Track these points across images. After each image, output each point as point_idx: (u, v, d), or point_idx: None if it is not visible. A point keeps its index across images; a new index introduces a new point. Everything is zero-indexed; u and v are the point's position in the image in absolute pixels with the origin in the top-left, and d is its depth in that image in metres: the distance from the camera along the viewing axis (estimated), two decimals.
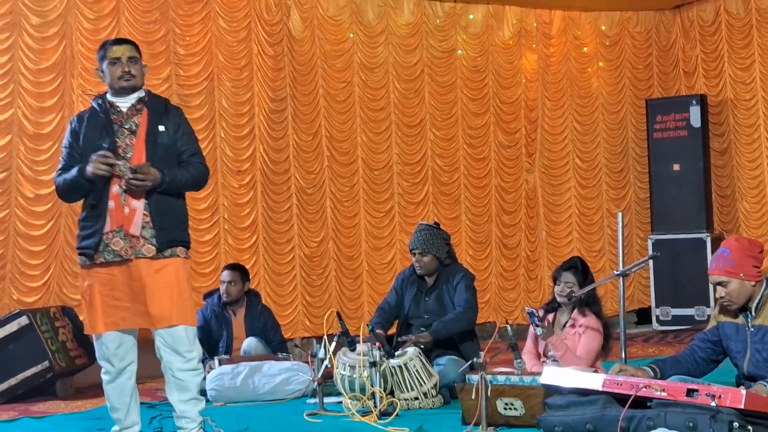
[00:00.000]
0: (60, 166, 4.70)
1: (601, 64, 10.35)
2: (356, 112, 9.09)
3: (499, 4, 9.82)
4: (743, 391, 3.88)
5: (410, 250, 6.35)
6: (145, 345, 8.02)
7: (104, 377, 4.69)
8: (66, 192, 4.68)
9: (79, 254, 4.62)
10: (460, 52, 9.66)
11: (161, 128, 4.58)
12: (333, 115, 8.97)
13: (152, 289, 4.51)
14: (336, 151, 8.96)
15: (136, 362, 4.72)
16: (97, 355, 4.70)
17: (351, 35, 9.09)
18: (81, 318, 7.58)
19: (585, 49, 10.31)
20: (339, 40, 9.03)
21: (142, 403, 6.30)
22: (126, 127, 4.57)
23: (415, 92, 9.42)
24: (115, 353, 4.61)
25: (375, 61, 9.21)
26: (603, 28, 10.35)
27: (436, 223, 6.53)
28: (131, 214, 4.48)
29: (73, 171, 4.54)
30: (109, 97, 4.65)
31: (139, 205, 4.48)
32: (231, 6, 8.43)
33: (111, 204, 4.49)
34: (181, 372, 4.58)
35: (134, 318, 4.57)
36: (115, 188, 4.48)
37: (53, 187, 7.43)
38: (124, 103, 4.61)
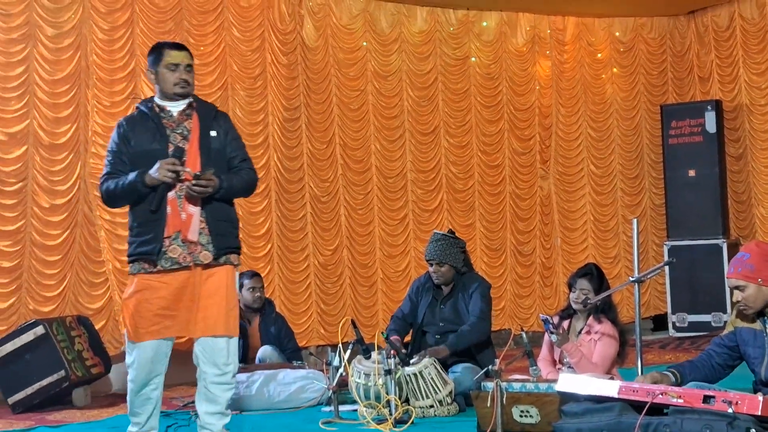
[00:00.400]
0: (106, 170, 4.59)
1: (615, 70, 10.33)
2: (370, 120, 9.10)
3: (512, 11, 9.82)
4: (760, 398, 3.85)
5: (427, 261, 6.33)
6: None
7: (131, 384, 4.55)
8: (117, 198, 4.54)
9: (133, 261, 4.48)
10: (473, 59, 9.67)
11: (213, 133, 4.52)
12: (347, 123, 8.98)
13: (204, 297, 4.43)
14: (350, 159, 8.97)
15: (164, 373, 4.60)
16: (127, 361, 4.56)
17: (364, 43, 9.11)
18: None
19: (599, 55, 10.29)
20: (352, 49, 9.05)
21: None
22: (178, 131, 4.50)
23: (429, 100, 9.43)
24: (149, 361, 4.48)
25: (388, 69, 9.22)
26: (617, 34, 10.33)
27: (451, 231, 6.51)
28: (188, 219, 4.41)
29: (131, 176, 4.42)
30: (157, 100, 4.58)
31: (196, 210, 4.41)
32: (244, 16, 8.46)
33: (168, 209, 4.40)
34: (213, 385, 4.49)
35: (179, 326, 4.47)
36: (171, 193, 4.40)
37: (69, 197, 7.60)
38: (175, 107, 4.54)
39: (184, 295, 4.42)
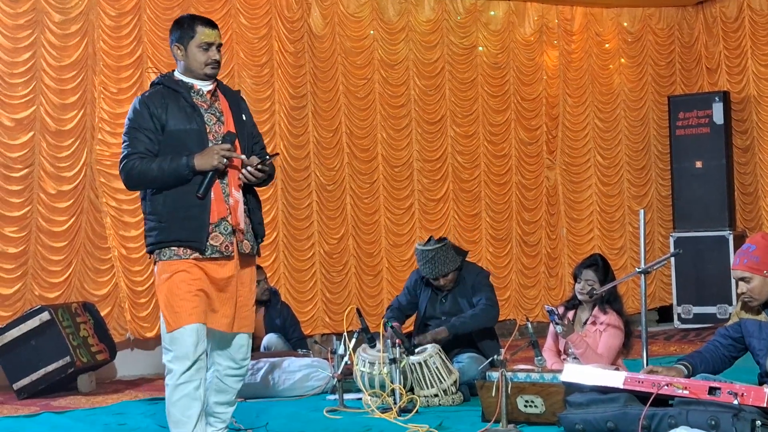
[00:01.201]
0: (132, 149, 4.15)
1: (623, 60, 10.30)
2: (376, 109, 9.08)
3: (520, 0, 9.79)
4: (766, 390, 3.85)
5: (431, 280, 6.23)
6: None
7: (171, 382, 4.10)
8: (152, 180, 4.10)
9: (163, 248, 4.10)
10: (480, 48, 9.64)
11: (243, 117, 4.32)
12: (353, 111, 8.97)
13: (237, 289, 4.19)
14: (356, 148, 8.96)
15: (206, 368, 4.19)
16: (166, 357, 4.12)
17: (371, 32, 9.09)
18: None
19: (607, 45, 10.26)
20: (359, 37, 9.03)
21: (151, 399, 6.38)
22: (211, 112, 4.24)
23: (436, 89, 9.40)
24: (192, 350, 4.06)
25: (395, 58, 9.20)
26: (625, 24, 10.29)
27: (434, 238, 6.36)
28: (236, 205, 4.15)
29: (179, 160, 4.06)
30: (181, 77, 4.25)
31: (240, 197, 4.18)
32: (252, 3, 8.45)
33: (212, 194, 4.11)
34: (228, 377, 4.29)
35: (218, 318, 4.15)
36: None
37: (75, 183, 7.60)
38: (205, 87, 4.26)
39: (229, 286, 4.15)
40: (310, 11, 8.75)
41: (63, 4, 7.60)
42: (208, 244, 4.07)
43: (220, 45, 4.27)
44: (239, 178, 4.17)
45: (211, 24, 4.27)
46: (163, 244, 4.11)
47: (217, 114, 4.23)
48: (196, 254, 4.07)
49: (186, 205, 4.09)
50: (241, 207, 4.17)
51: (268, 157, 4.22)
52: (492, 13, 9.70)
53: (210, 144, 4.14)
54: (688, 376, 4.36)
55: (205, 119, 4.18)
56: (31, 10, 7.49)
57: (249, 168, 4.14)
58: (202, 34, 4.19)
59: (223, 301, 4.15)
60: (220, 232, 4.11)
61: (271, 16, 8.52)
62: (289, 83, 8.59)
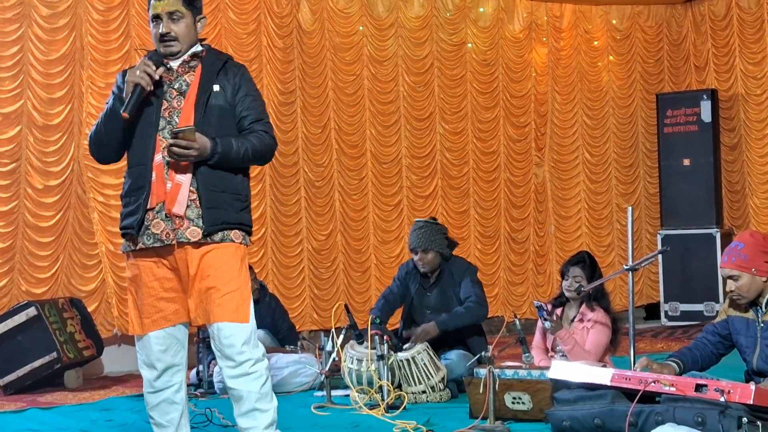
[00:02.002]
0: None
1: (611, 58, 10.32)
2: (365, 105, 9.08)
3: None
4: (752, 387, 3.86)
5: (411, 250, 6.30)
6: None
7: (146, 389, 3.86)
8: (100, 137, 3.83)
9: (122, 236, 3.84)
10: (470, 45, 9.64)
11: (216, 88, 3.77)
12: (342, 107, 8.96)
13: (198, 280, 3.72)
14: (345, 144, 8.95)
15: (184, 370, 3.88)
16: (138, 360, 3.87)
17: (360, 28, 9.08)
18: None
19: (595, 43, 10.27)
20: (348, 33, 9.01)
21: (138, 395, 6.32)
22: (175, 87, 3.79)
23: (425, 85, 9.40)
24: (160, 357, 3.79)
25: (384, 54, 9.19)
26: (614, 21, 10.31)
27: (432, 218, 6.49)
28: (174, 189, 3.69)
29: (109, 100, 3.81)
30: (162, 51, 3.85)
31: (185, 179, 3.69)
32: None
33: (153, 176, 3.71)
34: (231, 380, 3.72)
35: (178, 314, 3.79)
36: (158, 157, 3.71)
37: (62, 178, 7.57)
38: (175, 60, 3.82)
39: (175, 277, 3.76)
40: (299, 7, 8.73)
41: None
42: (149, 232, 3.71)
43: (172, 14, 3.76)
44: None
45: None
46: (121, 231, 3.85)
47: (183, 88, 3.79)
48: (140, 244, 3.75)
49: (132, 188, 3.78)
50: (185, 191, 3.68)
51: (177, 130, 3.62)
52: (481, 9, 9.70)
53: (161, 121, 3.76)
54: (679, 374, 4.37)
55: (166, 95, 3.77)
56: (18, 4, 7.45)
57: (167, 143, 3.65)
58: (150, 7, 3.82)
59: (178, 292, 3.78)
60: (161, 219, 3.72)
61: (259, 12, 8.50)
62: (277, 79, 8.57)
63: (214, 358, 6.33)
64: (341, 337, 5.81)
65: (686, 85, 10.40)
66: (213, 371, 6.32)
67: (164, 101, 3.77)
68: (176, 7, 3.76)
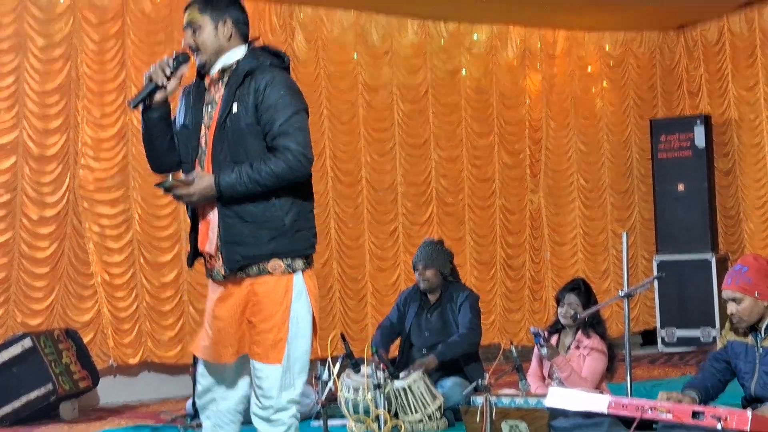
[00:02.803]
0: None
1: (605, 84, 10.36)
2: (360, 133, 9.10)
3: (503, 24, 9.84)
4: (749, 414, 3.85)
5: (413, 265, 6.34)
6: (149, 366, 8.01)
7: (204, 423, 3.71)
8: (145, 149, 3.65)
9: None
10: (464, 72, 9.68)
11: (234, 108, 3.45)
12: (337, 135, 8.98)
13: (216, 317, 3.56)
14: (340, 172, 8.96)
15: (237, 423, 3.67)
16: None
17: (355, 56, 9.11)
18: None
19: (589, 69, 10.32)
20: (343, 61, 9.05)
21: (134, 427, 6.31)
22: (209, 109, 3.55)
23: (420, 112, 9.43)
24: (205, 392, 3.68)
25: (379, 82, 9.23)
26: (607, 48, 10.36)
27: (440, 240, 6.52)
28: (204, 227, 3.54)
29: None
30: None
31: (213, 215, 3.49)
32: None
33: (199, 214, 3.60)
34: (254, 417, 3.57)
35: (209, 349, 3.61)
36: None
37: (58, 209, 7.58)
38: (212, 72, 3.57)
39: (216, 311, 3.60)
40: (294, 35, 8.77)
41: (46, 29, 7.60)
42: (207, 267, 3.60)
43: (192, 24, 3.54)
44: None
45: (188, 4, 3.59)
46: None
47: (213, 105, 3.54)
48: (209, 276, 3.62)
49: (190, 216, 3.67)
50: (213, 227, 3.50)
51: (159, 185, 3.46)
52: (475, 37, 9.75)
53: (198, 150, 3.56)
54: (700, 404, 4.34)
55: (203, 114, 3.56)
56: (14, 35, 7.47)
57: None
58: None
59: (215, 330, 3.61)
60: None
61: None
62: None
63: None
64: (338, 366, 5.79)
65: (680, 111, 10.44)
66: None
67: (202, 126, 3.56)
68: (192, 17, 3.52)
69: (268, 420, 3.53)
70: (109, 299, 7.72)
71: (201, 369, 3.69)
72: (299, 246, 3.52)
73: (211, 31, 3.51)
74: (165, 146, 3.60)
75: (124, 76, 7.86)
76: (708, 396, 4.48)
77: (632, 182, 10.41)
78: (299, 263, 3.51)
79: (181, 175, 3.49)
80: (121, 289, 7.77)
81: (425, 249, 6.28)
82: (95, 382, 7.34)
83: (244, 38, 3.59)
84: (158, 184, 3.45)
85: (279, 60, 3.61)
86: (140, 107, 3.53)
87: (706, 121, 9.76)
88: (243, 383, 3.66)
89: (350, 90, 9.07)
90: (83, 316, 7.65)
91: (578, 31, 10.21)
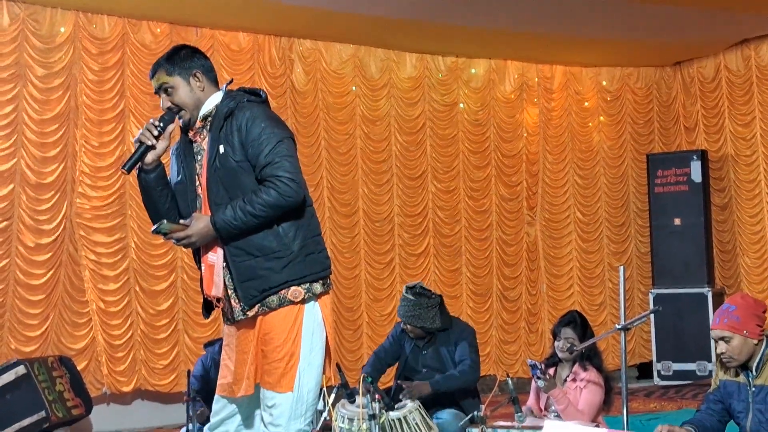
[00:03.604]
0: None
1: (602, 118, 10.42)
2: (358, 164, 9.13)
3: (500, 58, 9.91)
4: None
5: (400, 317, 6.25)
6: (142, 394, 7.97)
7: None
8: (146, 209, 3.73)
9: None
10: (461, 105, 9.73)
11: (221, 149, 3.49)
12: (335, 166, 9.00)
13: (237, 352, 3.62)
14: (337, 203, 8.98)
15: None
16: None
17: (354, 88, 9.17)
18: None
19: (586, 103, 10.38)
20: (341, 93, 9.10)
21: None
22: (198, 159, 3.60)
23: (417, 145, 9.47)
24: (215, 417, 3.69)
25: (377, 114, 9.27)
26: (604, 83, 10.43)
27: (421, 288, 6.35)
28: (208, 271, 3.57)
29: None
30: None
31: (216, 259, 3.53)
32: (235, 59, 8.51)
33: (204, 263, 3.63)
34: None
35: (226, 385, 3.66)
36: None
37: (54, 237, 7.58)
38: (191, 126, 3.63)
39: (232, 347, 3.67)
40: (293, 67, 8.83)
41: (46, 59, 7.64)
42: (223, 312, 3.64)
43: (164, 87, 3.59)
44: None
45: (152, 70, 3.67)
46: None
47: (202, 153, 3.59)
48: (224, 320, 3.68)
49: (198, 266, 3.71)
50: (218, 270, 3.52)
51: (156, 230, 3.47)
52: (473, 71, 9.82)
53: (197, 199, 3.61)
54: None
55: (193, 165, 3.61)
56: (13, 64, 7.52)
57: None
58: None
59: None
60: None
61: (254, 72, 8.58)
62: None
63: (202, 407, 6.30)
64: (332, 395, 5.76)
65: (676, 146, 10.49)
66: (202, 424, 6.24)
67: (196, 177, 3.60)
68: (162, 80, 3.58)
69: None
70: (104, 327, 7.70)
71: (215, 407, 3.70)
72: (314, 269, 3.55)
73: (185, 88, 3.57)
74: (167, 206, 3.66)
75: (123, 105, 7.90)
76: None
77: (629, 216, 10.43)
78: (317, 287, 3.56)
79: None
80: (115, 316, 7.76)
81: (404, 307, 6.13)
82: (88, 410, 7.29)
83: (217, 85, 3.67)
84: (155, 229, 3.46)
85: (256, 96, 3.66)
86: (135, 171, 3.59)
87: (703, 156, 9.81)
88: (257, 420, 3.67)
89: (348, 122, 9.11)
90: (77, 343, 7.63)
91: (576, 66, 10.28)
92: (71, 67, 7.73)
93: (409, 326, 6.12)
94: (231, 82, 3.73)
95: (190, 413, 6.39)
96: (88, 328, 7.67)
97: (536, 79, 10.13)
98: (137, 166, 3.57)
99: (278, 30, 8.66)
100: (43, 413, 6.70)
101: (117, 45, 7.92)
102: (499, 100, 9.93)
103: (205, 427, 3.83)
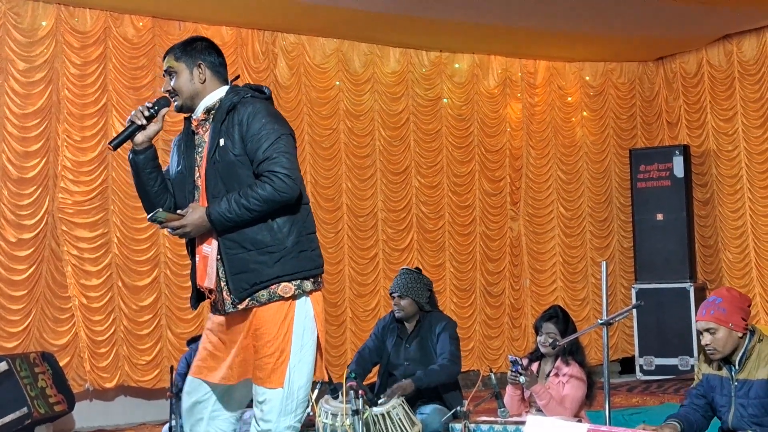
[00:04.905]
0: None
1: (585, 113, 10.44)
2: (342, 159, 9.12)
3: (484, 53, 9.92)
4: None
5: (390, 293, 6.32)
6: (125, 390, 7.95)
7: None
8: (138, 193, 3.77)
9: None
10: (445, 100, 9.73)
11: (221, 142, 3.54)
12: (318, 161, 8.99)
13: (225, 341, 3.67)
14: (321, 198, 8.97)
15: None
16: None
17: (337, 83, 9.15)
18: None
19: (569, 98, 10.40)
20: (325, 88, 9.08)
21: None
22: (199, 150, 3.65)
23: (401, 140, 9.46)
24: (186, 407, 3.74)
25: (361, 109, 9.26)
26: (587, 78, 10.45)
27: (417, 268, 6.50)
28: (202, 263, 3.61)
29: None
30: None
31: (211, 250, 3.57)
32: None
33: (198, 255, 3.67)
34: None
35: (213, 370, 3.67)
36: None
37: (36, 232, 7.54)
38: (194, 117, 3.70)
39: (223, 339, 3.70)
40: (277, 62, 8.80)
41: (28, 52, 7.59)
42: (211, 304, 3.68)
43: (169, 71, 3.69)
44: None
45: (166, 52, 3.75)
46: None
47: (203, 145, 3.65)
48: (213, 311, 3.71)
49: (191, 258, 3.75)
50: (211, 262, 3.56)
51: (152, 219, 3.51)
52: (456, 65, 9.82)
53: (195, 190, 3.65)
54: None
55: (195, 157, 3.67)
56: None
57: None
58: None
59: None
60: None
61: (237, 66, 8.54)
62: None
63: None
64: (316, 391, 5.76)
65: (659, 141, 10.53)
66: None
67: (196, 168, 3.66)
68: (170, 64, 3.67)
69: None
70: (86, 323, 7.67)
71: (188, 387, 3.73)
72: (305, 266, 3.60)
73: (186, 76, 3.65)
74: (156, 189, 3.70)
75: (106, 100, 7.86)
76: (691, 428, 4.48)
77: (611, 211, 10.47)
78: (308, 284, 3.60)
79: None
80: (98, 312, 7.72)
81: (402, 278, 6.24)
82: (71, 406, 7.28)
83: (224, 80, 3.73)
84: (151, 217, 3.50)
85: (260, 93, 3.71)
86: (130, 156, 3.66)
87: (685, 151, 9.85)
88: (234, 403, 3.73)
89: (332, 116, 9.10)
90: (60, 339, 7.60)
91: (559, 62, 10.30)
92: (53, 61, 7.68)
93: (398, 300, 6.12)
94: (237, 78, 3.81)
95: (174, 410, 6.37)
96: (70, 324, 7.64)
97: (520, 74, 10.15)
98: (127, 144, 3.64)
99: (261, 24, 8.64)
100: (25, 409, 6.68)
101: (99, 39, 7.87)
102: (482, 94, 9.94)
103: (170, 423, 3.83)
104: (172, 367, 6.60)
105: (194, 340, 7.13)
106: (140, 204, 3.80)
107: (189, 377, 3.74)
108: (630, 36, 9.55)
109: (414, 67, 9.59)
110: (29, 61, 7.59)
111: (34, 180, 7.57)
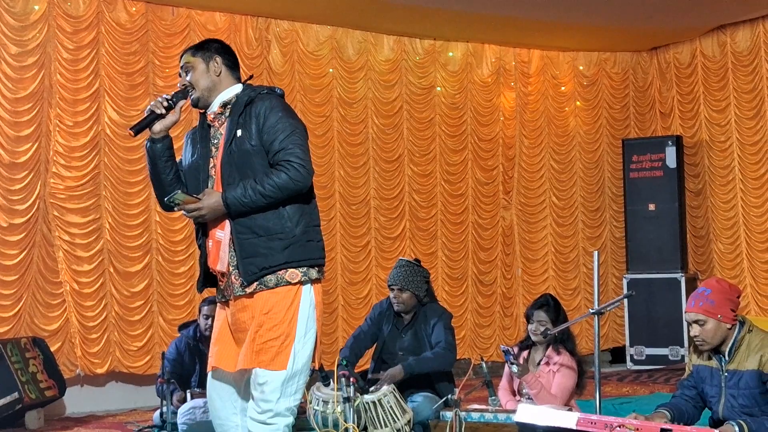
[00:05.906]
0: None
1: (578, 103, 10.44)
2: (335, 147, 9.11)
3: (478, 42, 9.91)
4: None
5: (389, 285, 6.31)
6: (116, 376, 7.95)
7: None
8: (151, 182, 3.92)
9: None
10: (439, 89, 9.72)
11: (239, 133, 3.71)
12: (311, 149, 8.77)
13: (235, 329, 3.80)
14: (314, 185, 8.92)
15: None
16: None
17: (330, 70, 9.13)
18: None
19: (563, 88, 10.40)
20: (318, 75, 9.06)
21: None
22: (214, 142, 3.82)
23: (394, 128, 9.46)
24: (210, 398, 3.89)
25: (354, 96, 9.25)
26: (581, 68, 10.45)
27: (416, 260, 6.50)
28: (215, 247, 3.74)
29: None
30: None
31: (224, 235, 3.71)
32: None
33: (210, 240, 3.81)
34: (251, 421, 3.69)
35: (221, 357, 3.82)
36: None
37: (27, 217, 7.53)
38: (210, 111, 3.86)
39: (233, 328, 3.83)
40: (270, 48, 8.78)
41: (20, 37, 7.55)
42: (219, 287, 3.83)
43: (186, 66, 3.85)
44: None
45: (183, 52, 3.96)
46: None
47: (219, 137, 3.81)
48: (218, 297, 3.89)
49: (198, 243, 3.91)
50: (224, 246, 3.70)
51: (170, 200, 3.67)
52: (450, 54, 9.80)
53: (209, 179, 3.80)
54: (671, 422, 4.36)
55: (211, 149, 3.83)
56: None
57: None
58: None
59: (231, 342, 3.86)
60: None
61: None
62: None
63: (175, 389, 6.28)
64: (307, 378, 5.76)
65: (652, 131, 10.54)
66: (178, 408, 6.24)
67: (211, 158, 3.82)
68: (186, 59, 3.86)
69: (264, 423, 3.66)
70: (78, 308, 7.66)
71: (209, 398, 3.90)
72: (311, 255, 3.75)
73: (203, 69, 3.82)
74: (170, 178, 3.85)
75: (98, 85, 7.83)
76: (682, 418, 4.49)
77: (604, 201, 10.49)
78: (313, 273, 3.76)
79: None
80: (89, 298, 7.72)
81: (401, 270, 6.22)
82: (62, 392, 7.28)
83: (237, 79, 3.91)
84: (169, 198, 3.65)
85: (273, 91, 3.93)
86: (147, 145, 3.81)
87: (678, 141, 9.87)
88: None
89: (325, 104, 9.08)
90: (51, 324, 7.59)
91: (553, 51, 10.30)
92: (45, 46, 7.65)
93: (398, 293, 6.13)
94: (251, 77, 4.04)
95: (165, 395, 6.38)
96: (61, 310, 7.63)
97: (513, 63, 10.14)
98: (146, 132, 3.78)
99: (255, 10, 8.61)
100: (16, 394, 6.68)
101: (92, 23, 7.84)
102: (476, 83, 9.93)
103: (210, 415, 3.93)
104: (163, 353, 6.61)
105: (185, 326, 7.14)
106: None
107: (210, 379, 3.87)
108: (624, 26, 9.54)
109: (408, 55, 9.58)
110: (21, 45, 7.56)
111: (26, 165, 7.55)
